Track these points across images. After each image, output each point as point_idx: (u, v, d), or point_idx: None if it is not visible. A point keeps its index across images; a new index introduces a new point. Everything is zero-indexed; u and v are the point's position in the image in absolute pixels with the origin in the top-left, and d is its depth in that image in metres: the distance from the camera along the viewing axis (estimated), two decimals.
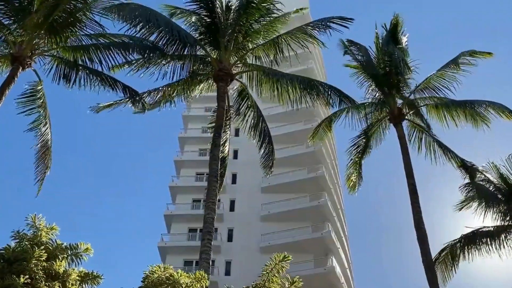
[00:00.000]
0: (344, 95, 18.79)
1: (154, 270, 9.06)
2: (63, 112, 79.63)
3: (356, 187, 22.44)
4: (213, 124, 18.50)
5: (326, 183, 49.86)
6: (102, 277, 9.09)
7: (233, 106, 20.23)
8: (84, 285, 8.94)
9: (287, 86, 18.38)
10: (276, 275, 9.93)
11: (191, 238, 48.10)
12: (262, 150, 20.34)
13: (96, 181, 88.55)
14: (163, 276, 9.08)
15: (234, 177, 52.25)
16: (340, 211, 53.36)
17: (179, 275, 9.15)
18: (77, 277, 8.75)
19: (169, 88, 18.86)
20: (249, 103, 19.91)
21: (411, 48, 22.23)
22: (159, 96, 19.17)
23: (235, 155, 53.64)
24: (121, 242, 78.73)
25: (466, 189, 21.01)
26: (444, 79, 20.87)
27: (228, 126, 19.71)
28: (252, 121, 20.07)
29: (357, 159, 22.00)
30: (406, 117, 21.13)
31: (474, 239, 21.19)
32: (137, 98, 18.07)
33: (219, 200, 50.46)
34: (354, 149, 22.06)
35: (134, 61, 17.54)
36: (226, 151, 19.76)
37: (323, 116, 53.21)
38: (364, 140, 21.90)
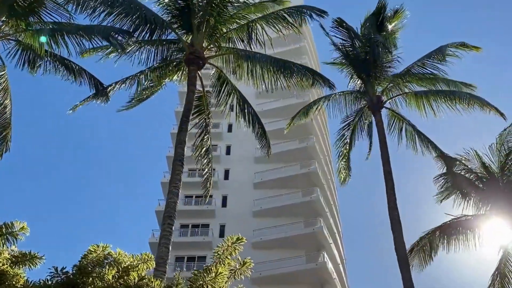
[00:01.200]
0: (321, 77, 18.38)
1: (92, 249, 8.76)
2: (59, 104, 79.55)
3: (347, 180, 22.19)
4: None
5: (318, 179, 49.53)
6: (42, 258, 8.75)
7: (212, 92, 19.80)
8: (20, 266, 8.59)
9: (262, 68, 18.06)
10: (228, 257, 9.62)
11: (182, 234, 47.77)
12: (255, 132, 19.95)
13: (87, 176, 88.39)
14: (101, 255, 8.79)
15: (226, 173, 52.02)
16: (334, 207, 53.01)
17: (118, 254, 8.87)
18: (9, 256, 8.39)
19: (142, 77, 18.44)
20: (229, 88, 19.54)
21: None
22: (135, 86, 18.70)
23: (228, 151, 53.49)
24: (112, 237, 78.51)
25: (442, 180, 20.66)
26: (426, 69, 20.48)
27: (208, 113, 19.27)
28: (237, 107, 19.67)
29: (345, 151, 21.71)
30: (385, 106, 20.79)
31: (453, 228, 20.91)
32: (102, 90, 17.65)
33: (211, 196, 50.25)
34: (341, 142, 21.78)
35: (103, 47, 17.17)
36: (208, 142, 19.33)
37: (316, 113, 53.07)
38: (349, 131, 21.59)
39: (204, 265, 9.92)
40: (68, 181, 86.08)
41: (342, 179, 22.08)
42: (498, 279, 21.23)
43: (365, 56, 20.26)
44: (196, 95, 19.02)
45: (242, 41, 18.28)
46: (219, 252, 9.60)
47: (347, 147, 21.44)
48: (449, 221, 21.08)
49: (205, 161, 19.14)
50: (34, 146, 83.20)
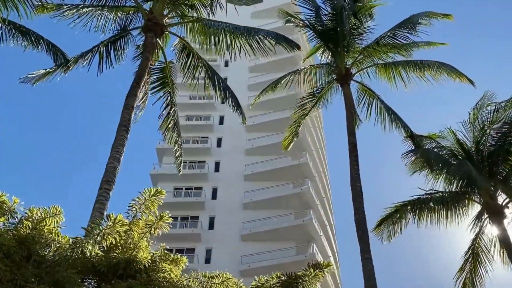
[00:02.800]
0: (286, 40, 17.85)
1: None
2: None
3: (290, 145, 22.18)
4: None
5: (309, 170, 49.10)
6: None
7: (177, 63, 19.28)
8: None
9: (224, 35, 17.62)
10: (146, 211, 9.14)
11: (171, 226, 47.11)
12: (231, 105, 19.44)
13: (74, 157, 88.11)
14: None
15: (217, 165, 51.65)
16: (326, 200, 52.49)
17: (14, 202, 8.45)
18: None
19: (103, 49, 17.94)
20: (195, 60, 19.05)
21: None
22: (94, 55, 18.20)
23: (219, 143, 53.15)
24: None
25: (410, 156, 20.12)
26: (397, 39, 19.96)
27: (172, 86, 18.77)
28: (206, 79, 19.19)
29: (299, 120, 21.32)
30: (355, 79, 20.30)
31: (425, 202, 20.35)
32: (63, 59, 17.17)
33: (201, 188, 50.03)
34: (300, 110, 21.36)
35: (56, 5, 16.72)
36: (175, 115, 18.81)
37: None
38: (311, 103, 21.15)
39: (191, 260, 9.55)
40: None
41: (286, 145, 21.83)
42: (471, 259, 20.65)
43: (333, 26, 19.72)
44: (158, 66, 18.61)
45: (205, 6, 17.83)
46: (135, 206, 9.13)
47: (302, 116, 21.04)
48: (421, 195, 20.52)
49: (175, 135, 18.61)
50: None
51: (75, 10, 16.78)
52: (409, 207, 20.26)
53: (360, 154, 17.71)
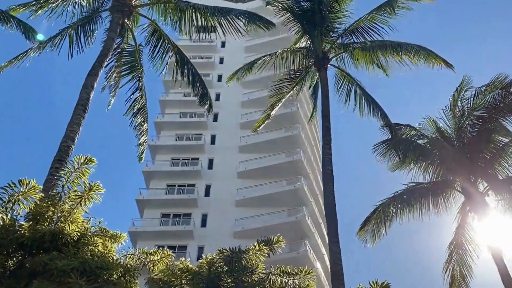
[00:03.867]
0: (260, 19, 17.40)
1: None
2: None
3: (261, 126, 22.16)
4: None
5: (303, 167, 48.60)
6: None
7: (146, 46, 18.90)
8: None
9: (193, 13, 17.26)
10: (76, 180, 8.75)
11: (163, 223, 46.97)
12: (195, 92, 19.03)
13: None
14: None
15: (210, 162, 51.19)
16: (320, 197, 51.85)
17: None
18: None
19: (71, 30, 17.60)
20: (166, 44, 18.68)
21: None
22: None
23: (213, 141, 52.75)
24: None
25: (383, 147, 19.61)
26: (375, 23, 19.48)
27: (141, 71, 18.37)
28: (175, 64, 18.80)
29: (275, 103, 20.93)
30: (333, 64, 19.86)
31: (408, 196, 19.84)
32: (34, 38, 16.85)
33: (194, 185, 49.62)
34: (277, 94, 20.94)
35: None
36: (142, 100, 18.40)
37: (303, 100, 52.27)
38: (288, 87, 20.72)
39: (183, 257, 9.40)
40: None
41: (256, 126, 21.50)
42: (455, 249, 20.15)
43: (310, 7, 19.24)
44: (128, 49, 18.24)
45: None
46: (66, 176, 8.73)
47: (279, 102, 20.62)
48: (403, 190, 20.02)
49: (139, 120, 18.20)
50: None
51: (45, 2, 16.51)
52: (391, 204, 19.78)
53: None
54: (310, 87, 21.78)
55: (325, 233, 50.49)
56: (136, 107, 18.09)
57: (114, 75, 17.93)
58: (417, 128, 20.66)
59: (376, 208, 20.29)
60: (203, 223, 47.23)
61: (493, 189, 19.20)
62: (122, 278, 8.40)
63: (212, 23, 17.42)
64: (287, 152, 49.26)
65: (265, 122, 22.11)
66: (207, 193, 49.12)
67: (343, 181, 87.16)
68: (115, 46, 17.64)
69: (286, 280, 8.81)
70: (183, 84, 19.11)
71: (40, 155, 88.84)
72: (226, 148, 51.18)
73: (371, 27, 19.29)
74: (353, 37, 19.55)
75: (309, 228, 45.49)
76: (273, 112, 21.81)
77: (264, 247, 9.21)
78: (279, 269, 8.89)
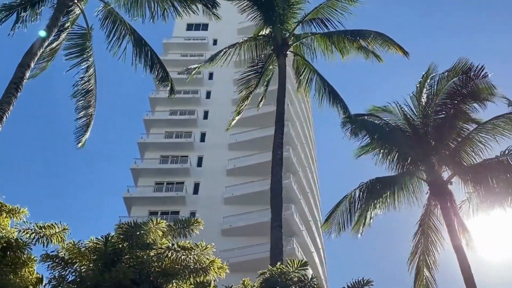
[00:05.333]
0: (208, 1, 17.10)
1: None
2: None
3: (233, 123, 22.02)
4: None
5: (292, 165, 48.13)
6: None
7: (100, 29, 18.54)
8: None
9: None
10: None
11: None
12: (154, 75, 18.63)
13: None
14: None
15: (200, 160, 50.90)
16: (310, 195, 51.45)
17: None
18: None
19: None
20: (122, 27, 18.32)
21: None
22: None
23: (202, 138, 52.47)
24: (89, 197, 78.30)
25: (348, 128, 19.14)
26: (335, 10, 19.13)
27: (90, 54, 18.06)
28: (133, 48, 18.43)
29: (246, 98, 20.52)
30: (293, 51, 19.49)
31: (373, 186, 19.34)
32: None
33: (182, 183, 49.37)
34: (245, 88, 20.54)
35: None
36: (91, 81, 18.06)
37: (294, 98, 51.92)
38: (256, 78, 20.37)
39: None
40: None
41: (230, 122, 21.14)
42: (420, 239, 19.68)
43: None
44: (77, 31, 17.92)
45: None
46: None
47: (250, 94, 20.25)
48: (367, 181, 19.55)
49: (82, 103, 17.81)
50: None
51: None
52: (356, 195, 19.31)
53: None
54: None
55: (314, 231, 50.24)
56: (85, 89, 17.68)
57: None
58: (382, 117, 20.19)
59: (341, 200, 19.87)
60: None
61: (459, 176, 18.73)
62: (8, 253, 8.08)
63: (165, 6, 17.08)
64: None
65: (236, 118, 21.72)
66: (195, 191, 48.83)
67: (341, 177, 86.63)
68: (67, 27, 17.35)
69: (184, 257, 8.44)
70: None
71: None
72: (216, 146, 50.85)
73: (331, 14, 18.95)
74: (314, 24, 19.21)
75: (298, 225, 45.04)
76: (245, 107, 21.39)
77: (162, 221, 8.87)
78: (177, 245, 8.53)
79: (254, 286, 8.92)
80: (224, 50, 20.23)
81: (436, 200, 18.56)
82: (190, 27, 59.26)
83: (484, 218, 20.17)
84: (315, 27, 19.25)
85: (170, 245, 8.58)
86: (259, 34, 19.96)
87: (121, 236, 8.91)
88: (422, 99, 19.54)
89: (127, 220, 43.31)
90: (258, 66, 20.02)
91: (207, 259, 8.82)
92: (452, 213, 18.14)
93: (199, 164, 50.62)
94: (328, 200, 78.96)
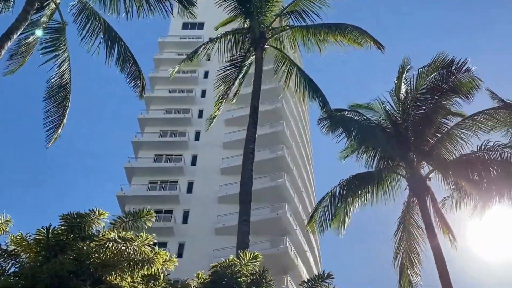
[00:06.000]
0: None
1: None
2: None
3: (213, 121, 21.71)
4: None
5: (287, 164, 47.97)
6: None
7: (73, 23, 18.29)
8: None
9: None
10: None
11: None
12: (126, 72, 18.30)
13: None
14: None
15: (194, 159, 50.76)
16: (305, 194, 51.22)
17: None
18: None
19: None
20: (97, 23, 18.09)
21: None
22: None
23: (197, 137, 52.33)
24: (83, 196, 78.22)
25: (325, 124, 18.89)
26: (313, 3, 18.90)
27: (64, 49, 17.84)
28: (107, 42, 18.19)
29: (225, 94, 20.26)
30: (272, 44, 19.27)
31: (352, 184, 19.15)
32: None
33: (176, 182, 49.20)
34: (223, 83, 20.29)
35: None
36: (66, 75, 17.80)
37: (289, 97, 51.75)
38: (234, 72, 20.11)
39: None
40: None
41: (210, 118, 20.92)
42: (403, 236, 19.43)
43: None
44: (52, 25, 17.73)
45: None
46: None
47: (229, 89, 20.01)
48: (347, 178, 19.37)
49: (54, 99, 17.55)
50: None
51: None
52: (337, 193, 19.13)
53: None
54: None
55: (309, 230, 49.91)
56: (58, 79, 17.43)
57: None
58: (363, 113, 19.96)
59: (322, 198, 19.75)
60: (185, 220, 46.82)
61: (439, 172, 18.48)
62: None
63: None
64: (270, 148, 48.69)
65: (217, 114, 21.55)
66: (189, 190, 48.69)
67: None
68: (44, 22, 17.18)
69: (124, 248, 8.21)
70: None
71: None
72: (210, 145, 50.69)
73: (310, 8, 18.74)
74: (292, 17, 19.01)
75: (291, 224, 44.84)
76: (226, 101, 21.15)
77: (104, 212, 8.65)
78: (117, 236, 8.31)
79: (207, 279, 8.73)
80: (204, 45, 19.99)
81: (414, 196, 18.30)
82: (185, 26, 59.18)
83: (469, 214, 20.01)
84: (293, 20, 19.03)
85: (112, 236, 8.36)
86: (238, 28, 19.73)
87: (63, 228, 8.71)
88: (401, 95, 19.29)
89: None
90: (237, 61, 19.77)
91: (151, 251, 8.59)
92: (429, 209, 17.91)
93: (193, 163, 50.48)
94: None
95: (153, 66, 56.58)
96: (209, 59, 20.05)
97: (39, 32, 17.66)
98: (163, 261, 9.04)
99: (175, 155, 50.19)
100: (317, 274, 9.06)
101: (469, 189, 18.47)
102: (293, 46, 19.17)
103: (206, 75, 55.51)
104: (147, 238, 8.53)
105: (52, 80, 17.37)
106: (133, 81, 18.66)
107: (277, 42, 19.48)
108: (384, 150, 18.33)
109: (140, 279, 9.00)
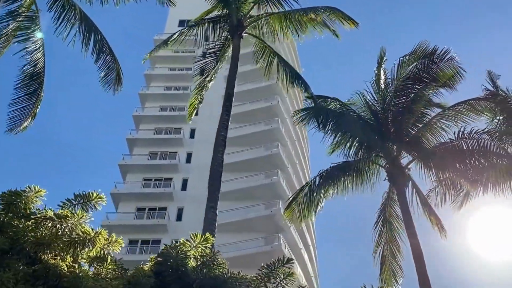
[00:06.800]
0: None
1: None
2: None
3: (192, 115, 21.44)
4: None
5: (282, 161, 47.73)
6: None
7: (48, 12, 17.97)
8: None
9: None
10: None
11: (138, 217, 46.55)
12: (99, 63, 17.92)
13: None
14: None
15: (189, 156, 50.55)
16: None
17: None
18: None
19: None
20: (72, 11, 17.80)
21: None
22: None
23: (192, 134, 52.12)
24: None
25: (302, 116, 18.56)
26: None
27: (36, 40, 17.54)
28: (83, 34, 17.90)
29: (204, 84, 19.98)
30: (250, 32, 18.99)
31: (332, 174, 18.89)
32: None
33: (171, 179, 48.97)
34: (201, 73, 20.01)
35: None
36: (39, 65, 17.48)
37: (284, 94, 51.42)
38: (213, 62, 19.83)
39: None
40: None
41: (190, 113, 20.64)
42: (385, 229, 19.12)
43: None
44: (29, 14, 17.46)
45: None
46: None
47: (209, 80, 19.73)
48: (328, 168, 19.08)
49: (27, 88, 17.25)
50: None
51: None
52: (317, 183, 18.89)
53: None
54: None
55: (304, 228, 49.66)
56: (31, 67, 17.11)
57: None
58: (346, 102, 19.68)
59: (301, 187, 19.55)
60: (179, 217, 46.62)
61: (421, 162, 18.18)
62: None
63: None
64: (265, 145, 48.50)
65: (196, 107, 21.23)
66: (183, 187, 48.50)
67: None
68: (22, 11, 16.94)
69: (60, 226, 7.95)
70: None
71: None
72: (205, 142, 50.35)
73: None
74: (270, 4, 18.73)
75: (285, 222, 44.41)
76: (205, 93, 20.88)
77: (41, 190, 8.39)
78: (53, 214, 8.06)
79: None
80: (179, 31, 19.75)
81: (394, 186, 17.99)
82: (182, 23, 58.93)
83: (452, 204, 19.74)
84: (271, 7, 18.70)
85: (48, 214, 8.10)
86: (216, 15, 19.46)
87: (1, 207, 8.46)
88: (381, 85, 18.99)
89: (114, 216, 43.14)
90: (216, 49, 19.50)
91: (92, 230, 8.31)
92: (409, 200, 17.65)
93: (188, 160, 50.29)
94: None
95: (148, 63, 56.41)
96: (204, 57, 19.70)
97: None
98: (109, 242, 8.77)
99: (169, 153, 49.99)
100: (277, 258, 8.83)
101: (451, 179, 18.23)
102: (273, 34, 18.83)
103: (202, 72, 55.19)
104: (83, 216, 8.26)
105: (25, 68, 17.07)
106: (108, 73, 18.30)
107: (256, 30, 19.18)
108: (363, 140, 18.00)
109: (85, 260, 8.73)
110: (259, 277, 8.48)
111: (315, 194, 18.86)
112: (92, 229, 8.46)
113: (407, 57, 18.35)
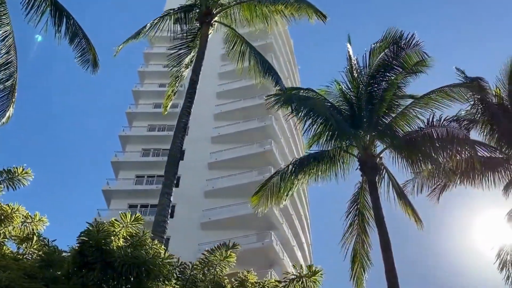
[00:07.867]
0: None
1: None
2: None
3: (168, 106, 21.67)
4: None
5: (275, 158, 47.39)
6: None
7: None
8: None
9: None
10: None
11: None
12: (73, 45, 17.65)
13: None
14: None
15: (182, 153, 50.13)
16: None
17: None
18: None
19: None
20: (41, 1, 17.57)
21: None
22: None
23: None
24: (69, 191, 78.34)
25: (273, 102, 18.22)
26: None
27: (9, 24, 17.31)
28: (54, 18, 17.62)
29: (179, 76, 19.73)
30: (220, 21, 18.74)
31: (305, 161, 18.66)
32: None
33: (163, 176, 48.71)
34: (177, 64, 19.76)
35: None
36: (11, 53, 17.24)
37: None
38: (187, 51, 19.56)
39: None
40: None
41: (165, 106, 20.44)
42: (357, 220, 18.78)
43: None
44: None
45: None
46: None
47: (184, 70, 19.48)
48: (301, 157, 18.84)
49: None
50: None
51: None
52: (288, 171, 18.64)
53: None
54: None
55: (297, 226, 49.33)
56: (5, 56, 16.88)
57: None
58: (322, 92, 19.37)
59: (272, 175, 19.31)
60: (171, 215, 46.17)
61: (394, 151, 17.84)
62: None
63: None
64: (259, 142, 48.23)
65: (172, 98, 21.06)
66: (176, 184, 48.04)
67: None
68: None
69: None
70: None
71: None
72: (198, 139, 50.24)
73: None
74: None
75: (277, 219, 44.19)
76: (180, 85, 20.63)
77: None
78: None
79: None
80: (151, 22, 19.49)
81: (365, 176, 17.65)
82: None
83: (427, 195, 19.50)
84: None
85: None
86: (186, 4, 19.20)
87: None
88: (355, 73, 18.67)
89: (106, 213, 42.95)
90: (188, 40, 19.23)
91: (9, 206, 8.12)
92: (383, 190, 17.34)
93: (181, 157, 49.90)
94: (316, 195, 78.00)
95: (142, 61, 56.32)
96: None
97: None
98: (32, 220, 8.59)
99: (162, 150, 49.70)
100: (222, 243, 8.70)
101: (426, 169, 17.99)
102: (244, 23, 18.55)
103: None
104: (17, 209, 8.13)
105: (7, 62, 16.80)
106: (82, 55, 18.05)
107: (227, 19, 18.91)
108: (335, 129, 17.66)
109: (14, 240, 8.55)
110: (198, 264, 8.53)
111: (286, 181, 18.61)
112: (9, 206, 8.27)
113: (377, 44, 18.02)
